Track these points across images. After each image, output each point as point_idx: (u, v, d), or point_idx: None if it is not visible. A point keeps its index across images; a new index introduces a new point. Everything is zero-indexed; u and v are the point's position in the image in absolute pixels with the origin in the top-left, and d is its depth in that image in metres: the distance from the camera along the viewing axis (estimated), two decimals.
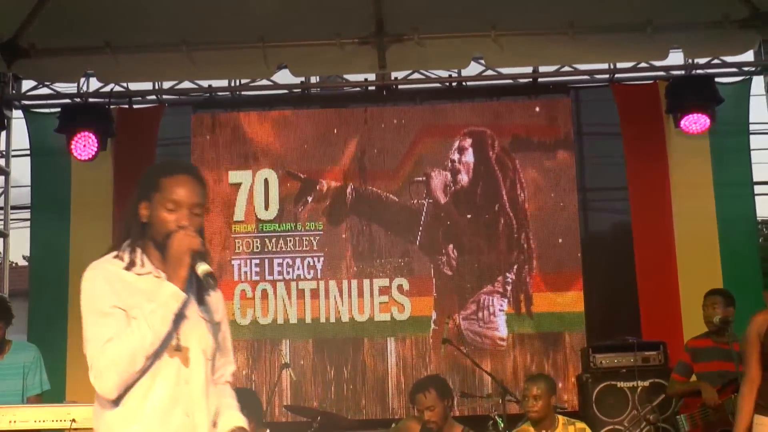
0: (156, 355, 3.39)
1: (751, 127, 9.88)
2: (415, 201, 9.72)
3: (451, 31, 9.03)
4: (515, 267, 9.57)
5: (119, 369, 3.32)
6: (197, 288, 3.59)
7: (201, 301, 3.63)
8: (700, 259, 9.33)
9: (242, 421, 3.64)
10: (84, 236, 9.57)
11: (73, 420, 6.39)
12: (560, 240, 9.59)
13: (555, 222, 9.64)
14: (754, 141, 9.90)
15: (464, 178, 9.73)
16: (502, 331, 9.48)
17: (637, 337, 8.62)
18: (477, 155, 9.76)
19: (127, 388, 3.37)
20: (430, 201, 9.70)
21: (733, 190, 9.54)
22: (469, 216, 9.70)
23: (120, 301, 3.40)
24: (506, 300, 9.53)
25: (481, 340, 9.46)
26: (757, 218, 10.09)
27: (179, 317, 3.45)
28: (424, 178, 9.73)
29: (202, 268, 3.42)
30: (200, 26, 8.92)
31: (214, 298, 3.71)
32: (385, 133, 9.82)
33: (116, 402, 3.40)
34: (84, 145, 9.39)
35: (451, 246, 9.61)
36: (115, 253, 3.58)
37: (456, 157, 9.75)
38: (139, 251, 3.53)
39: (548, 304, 9.51)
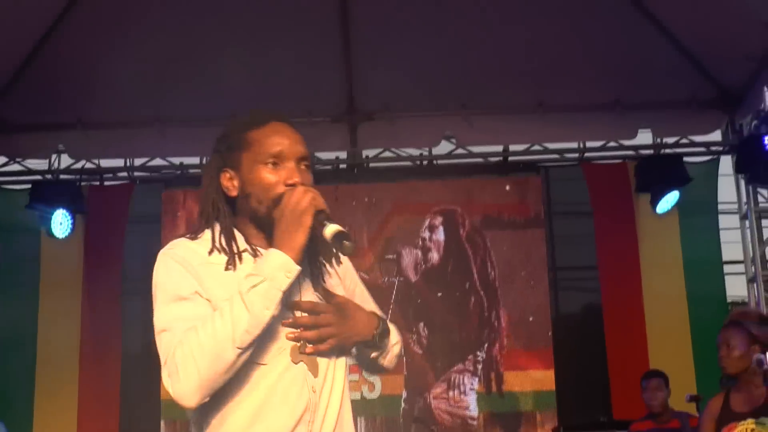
0: (256, 353, 2.63)
1: (720, 207, 9.93)
2: (386, 279, 9.69)
3: (421, 110, 9.12)
4: (486, 345, 9.53)
5: (201, 364, 2.54)
6: (312, 267, 2.85)
7: (319, 282, 2.85)
8: (671, 338, 9.34)
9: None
10: (52, 315, 9.55)
11: None
12: (531, 318, 9.57)
13: (526, 300, 9.61)
14: (723, 220, 9.94)
15: (435, 256, 9.73)
16: (473, 410, 9.41)
17: (608, 416, 8.61)
18: (448, 233, 9.76)
19: (222, 398, 2.65)
20: (401, 279, 9.68)
21: (703, 269, 9.54)
22: (439, 294, 9.67)
23: (204, 289, 2.66)
24: (477, 378, 9.47)
25: (451, 419, 9.38)
26: (728, 298, 10.10)
27: (290, 301, 2.68)
28: (395, 256, 9.71)
29: (331, 228, 2.66)
30: (172, 103, 8.97)
31: (341, 270, 3.00)
32: (356, 211, 9.81)
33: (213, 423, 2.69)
34: (60, 222, 9.38)
35: (421, 324, 9.57)
36: (190, 234, 2.82)
37: (427, 235, 9.75)
38: (219, 230, 2.77)
39: (519, 382, 9.45)
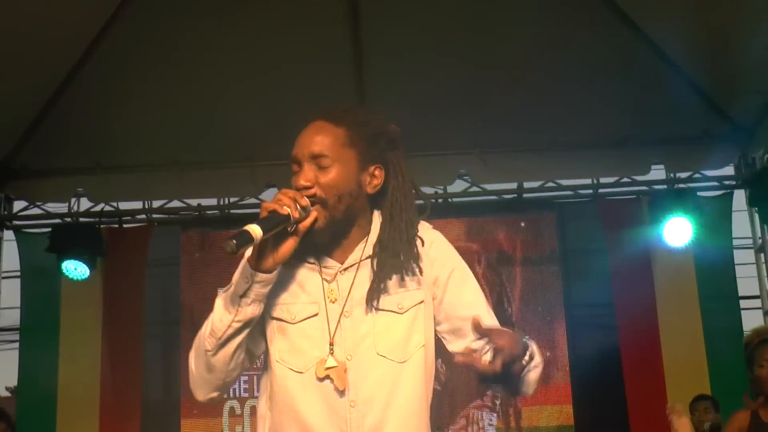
0: (293, 361, 2.70)
1: (735, 242, 9.93)
2: None
3: (435, 149, 9.16)
4: None
5: (193, 364, 2.73)
6: (378, 265, 2.78)
7: (385, 286, 2.77)
8: (689, 373, 9.26)
9: None
10: (72, 358, 9.51)
11: None
12: (548, 353, 9.58)
13: (543, 335, 9.61)
14: (738, 255, 9.91)
15: None
16: None
17: None
18: None
19: (268, 400, 2.76)
20: None
21: (719, 304, 9.51)
22: None
23: None
24: (495, 414, 9.48)
25: None
26: (744, 333, 10.06)
27: (274, 305, 2.72)
28: None
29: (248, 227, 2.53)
30: (190, 146, 9.06)
31: (426, 264, 2.87)
32: None
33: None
34: (78, 266, 9.42)
35: (439, 360, 9.51)
36: None
37: None
38: None
39: (537, 418, 9.46)
